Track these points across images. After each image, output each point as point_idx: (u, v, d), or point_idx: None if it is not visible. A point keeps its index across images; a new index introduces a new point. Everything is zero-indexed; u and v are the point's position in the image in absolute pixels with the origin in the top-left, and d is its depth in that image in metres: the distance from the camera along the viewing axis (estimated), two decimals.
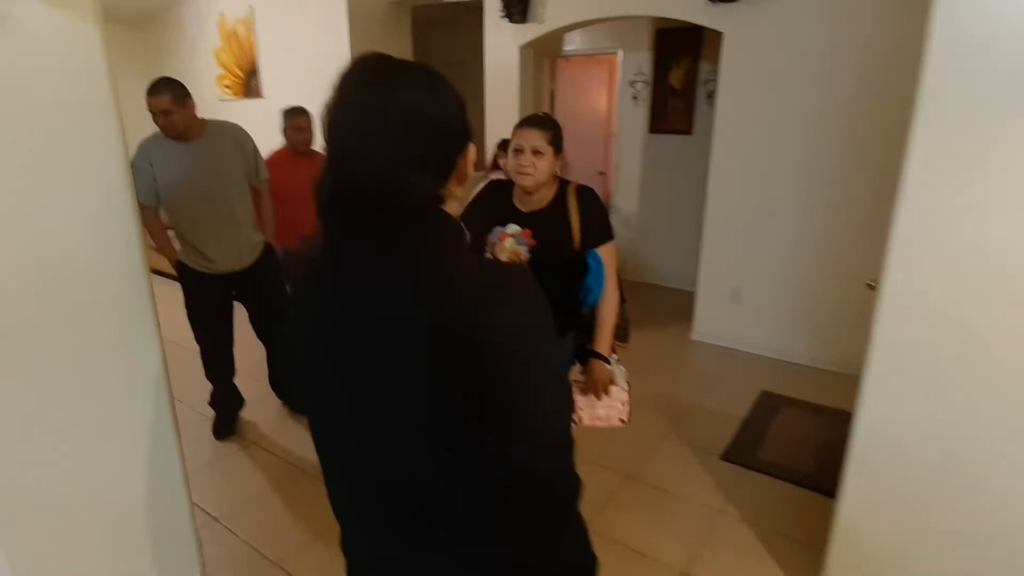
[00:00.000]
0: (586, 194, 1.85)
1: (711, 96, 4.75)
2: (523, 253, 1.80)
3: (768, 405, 3.24)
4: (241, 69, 5.50)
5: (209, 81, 5.72)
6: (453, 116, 0.71)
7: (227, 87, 5.66)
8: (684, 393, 3.39)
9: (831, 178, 3.46)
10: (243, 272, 2.76)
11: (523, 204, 1.85)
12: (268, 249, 2.85)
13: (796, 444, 2.87)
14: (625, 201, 5.49)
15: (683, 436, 2.93)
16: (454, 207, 0.74)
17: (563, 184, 1.86)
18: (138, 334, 1.43)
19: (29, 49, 1.16)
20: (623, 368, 1.98)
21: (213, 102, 5.67)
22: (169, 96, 2.43)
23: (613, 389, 1.93)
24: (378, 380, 0.69)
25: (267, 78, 5.34)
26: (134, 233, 1.38)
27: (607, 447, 2.78)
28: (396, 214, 0.67)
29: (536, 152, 1.74)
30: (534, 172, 1.75)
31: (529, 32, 4.25)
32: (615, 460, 2.71)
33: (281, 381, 3.23)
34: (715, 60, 4.58)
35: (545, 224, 1.81)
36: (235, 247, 2.71)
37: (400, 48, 5.03)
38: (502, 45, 4.41)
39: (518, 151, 1.76)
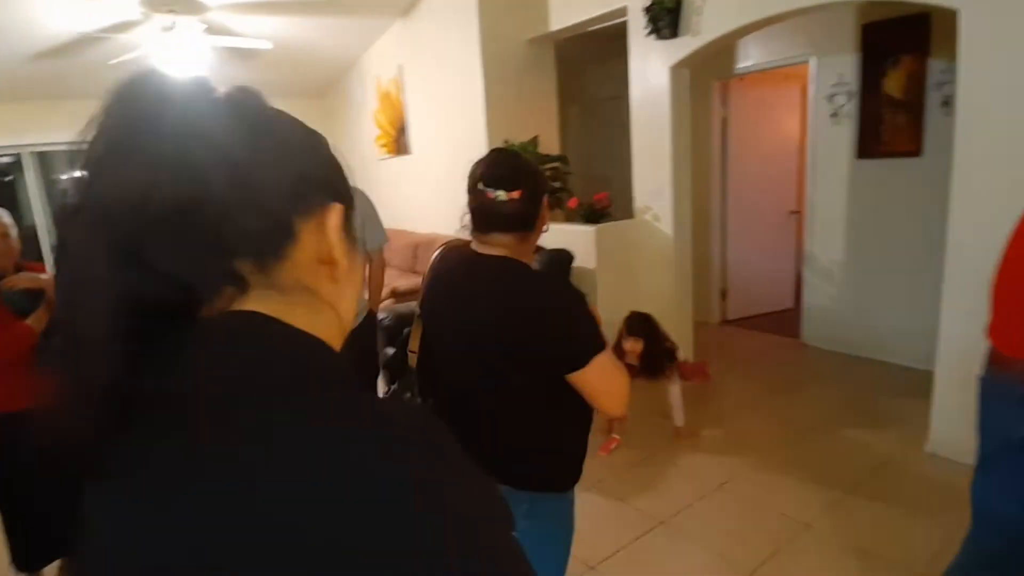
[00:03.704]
0: None
1: (947, 103, 3.46)
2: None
3: None
4: (393, 127, 5.51)
5: (370, 142, 5.84)
6: (287, 160, 0.44)
7: (383, 146, 5.71)
8: (923, 552, 2.22)
9: None
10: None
11: None
12: (369, 315, 2.79)
13: None
14: (824, 248, 4.28)
15: None
16: (326, 320, 0.47)
17: None
18: None
19: None
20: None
21: (373, 161, 5.77)
22: None
23: None
24: None
25: (414, 134, 5.26)
26: None
27: None
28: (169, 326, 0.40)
29: None
30: None
31: (681, 48, 3.45)
32: None
33: None
34: (950, 55, 3.32)
35: None
36: None
37: (545, 89, 4.56)
38: (650, 68, 3.66)
39: None
